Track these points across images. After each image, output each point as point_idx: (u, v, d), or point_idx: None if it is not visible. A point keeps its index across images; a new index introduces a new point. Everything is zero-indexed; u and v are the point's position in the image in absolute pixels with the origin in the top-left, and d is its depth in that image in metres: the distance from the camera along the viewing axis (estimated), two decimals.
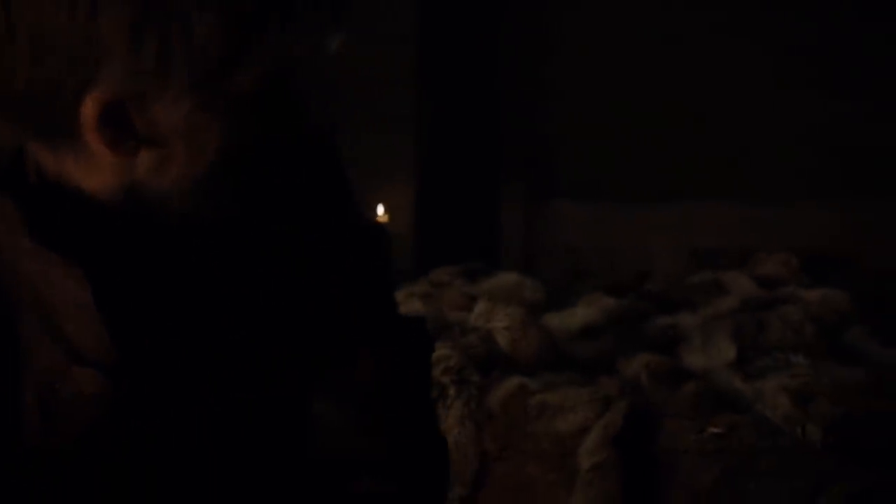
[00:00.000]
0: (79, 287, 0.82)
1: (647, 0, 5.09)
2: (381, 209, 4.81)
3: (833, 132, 4.87)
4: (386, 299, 1.05)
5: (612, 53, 5.12)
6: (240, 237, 0.89)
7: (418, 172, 4.92)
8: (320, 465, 0.96)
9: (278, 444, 0.94)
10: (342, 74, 4.82)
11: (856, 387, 2.30)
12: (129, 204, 0.83)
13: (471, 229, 5.06)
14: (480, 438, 2.24)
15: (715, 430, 2.11)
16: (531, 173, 5.03)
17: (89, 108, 0.77)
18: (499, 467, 2.23)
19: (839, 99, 4.87)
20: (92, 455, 0.86)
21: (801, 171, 4.93)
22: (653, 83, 5.09)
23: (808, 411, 2.12)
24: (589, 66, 5.14)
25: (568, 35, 5.19)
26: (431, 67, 5.02)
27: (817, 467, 2.03)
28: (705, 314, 3.08)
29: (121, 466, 0.87)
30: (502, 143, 5.19)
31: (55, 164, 0.82)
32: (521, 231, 4.97)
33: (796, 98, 4.93)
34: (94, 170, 0.81)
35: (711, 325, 2.87)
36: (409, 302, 2.81)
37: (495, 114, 5.20)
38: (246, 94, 0.80)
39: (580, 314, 2.88)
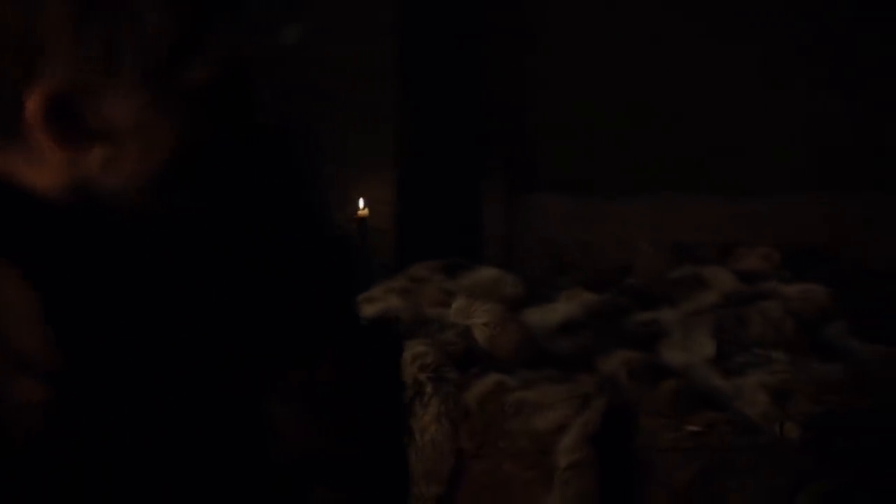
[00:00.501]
0: (21, 289, 0.79)
1: None
2: (361, 203, 4.78)
3: (815, 127, 4.86)
4: (349, 304, 1.03)
5: (594, 48, 5.10)
6: (194, 236, 0.86)
7: (399, 166, 4.89)
8: (278, 467, 0.94)
9: (235, 446, 0.91)
10: (323, 69, 4.81)
11: (835, 384, 2.28)
12: (80, 202, 0.80)
13: (452, 223, 5.03)
14: (457, 436, 2.21)
15: (693, 428, 2.09)
16: (512, 167, 5.00)
17: (35, 103, 0.74)
18: (476, 465, 2.21)
19: (822, 94, 4.86)
20: (42, 461, 0.83)
21: (784, 166, 4.92)
22: (635, 77, 5.06)
23: (787, 409, 2.10)
24: (571, 61, 5.11)
25: (550, 29, 5.17)
26: (413, 61, 4.99)
27: (796, 465, 2.01)
28: (685, 309, 3.06)
29: (72, 472, 0.85)
30: (483, 136, 5.16)
31: (3, 164, 0.80)
32: (503, 225, 4.94)
33: (779, 92, 4.92)
34: (43, 167, 0.79)
35: (691, 321, 2.85)
36: (388, 297, 2.78)
37: (476, 108, 5.17)
38: (198, 91, 0.78)
39: (560, 310, 2.85)
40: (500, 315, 2.53)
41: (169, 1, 0.74)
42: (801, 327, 2.76)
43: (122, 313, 0.84)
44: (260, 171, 0.92)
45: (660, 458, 2.08)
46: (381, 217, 4.79)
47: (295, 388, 0.95)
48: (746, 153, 4.94)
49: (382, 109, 4.85)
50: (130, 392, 0.85)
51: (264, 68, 0.84)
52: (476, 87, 5.15)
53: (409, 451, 2.21)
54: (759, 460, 2.03)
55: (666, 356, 2.59)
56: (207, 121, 0.80)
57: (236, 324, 0.89)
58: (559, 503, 2.05)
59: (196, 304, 0.87)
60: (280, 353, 0.93)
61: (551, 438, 2.14)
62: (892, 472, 2.01)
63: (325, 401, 0.97)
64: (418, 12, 5.00)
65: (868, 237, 4.67)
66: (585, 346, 2.64)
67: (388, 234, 4.81)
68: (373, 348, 1.07)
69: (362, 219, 4.69)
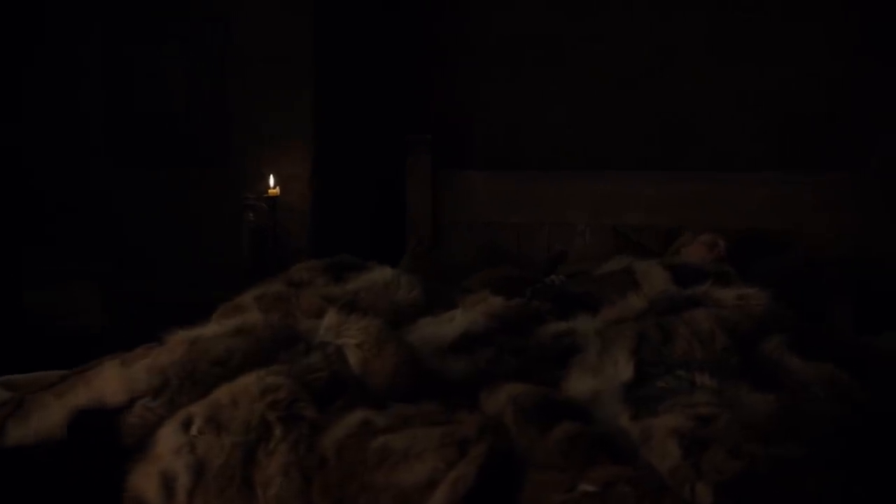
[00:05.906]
0: None
1: None
2: (272, 180, 4.37)
3: (768, 103, 4.54)
4: None
5: (532, 16, 4.73)
6: None
7: (317, 141, 4.46)
8: None
9: None
10: (235, 37, 4.36)
11: (763, 424, 1.93)
12: None
13: (373, 203, 4.64)
14: (309, 491, 1.84)
15: (587, 487, 1.73)
16: (440, 141, 4.60)
17: None
18: None
19: (774, 70, 4.54)
20: None
21: (736, 144, 4.59)
22: (576, 50, 4.71)
23: (701, 465, 1.74)
24: (506, 27, 4.73)
25: None
26: (331, 30, 4.56)
27: None
28: (607, 317, 2.71)
29: None
30: (408, 109, 4.75)
31: None
32: (428, 205, 4.55)
33: (730, 69, 4.58)
34: None
35: (611, 334, 2.49)
36: (253, 308, 2.38)
37: (402, 78, 4.76)
38: None
39: (459, 321, 2.48)
40: (377, 334, 2.15)
41: None
42: (733, 343, 2.41)
43: None
44: None
45: None
46: (295, 195, 4.38)
47: None
48: (694, 131, 4.60)
49: (298, 78, 4.42)
50: None
51: None
52: (400, 57, 4.73)
53: None
54: None
55: (572, 383, 2.23)
56: None
57: None
58: None
59: None
60: None
61: (419, 497, 1.77)
62: None
63: None
64: None
65: (826, 220, 4.35)
66: (482, 369, 2.27)
67: (302, 214, 4.40)
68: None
69: (272, 198, 4.28)
